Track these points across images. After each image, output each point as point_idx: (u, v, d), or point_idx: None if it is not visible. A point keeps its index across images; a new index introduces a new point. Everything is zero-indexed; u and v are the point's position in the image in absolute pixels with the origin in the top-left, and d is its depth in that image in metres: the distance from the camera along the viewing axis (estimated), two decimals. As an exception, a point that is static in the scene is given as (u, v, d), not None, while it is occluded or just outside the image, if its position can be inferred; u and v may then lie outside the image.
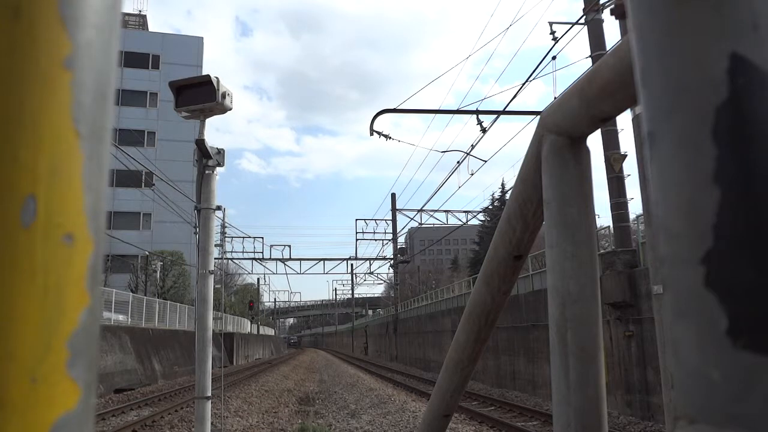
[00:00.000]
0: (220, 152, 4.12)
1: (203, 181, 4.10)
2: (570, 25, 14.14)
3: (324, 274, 47.24)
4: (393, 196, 43.93)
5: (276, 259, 44.14)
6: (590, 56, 14.10)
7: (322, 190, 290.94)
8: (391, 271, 48.36)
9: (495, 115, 17.60)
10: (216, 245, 4.56)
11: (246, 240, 43.81)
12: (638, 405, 12.53)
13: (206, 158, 4.07)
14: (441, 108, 21.01)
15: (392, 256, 46.22)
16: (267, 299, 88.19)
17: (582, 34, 14.37)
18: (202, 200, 4.09)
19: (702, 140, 0.29)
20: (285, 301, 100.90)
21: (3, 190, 0.25)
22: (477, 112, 17.93)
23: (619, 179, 13.71)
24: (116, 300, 24.00)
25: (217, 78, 3.89)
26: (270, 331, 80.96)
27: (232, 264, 52.61)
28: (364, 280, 64.14)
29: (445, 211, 36.07)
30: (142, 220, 46.96)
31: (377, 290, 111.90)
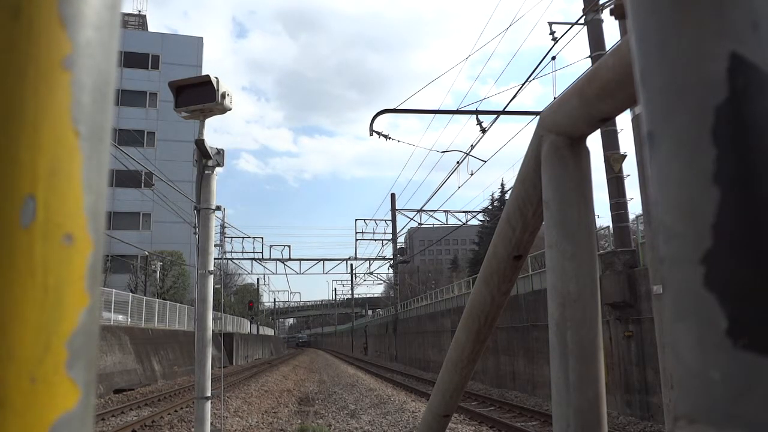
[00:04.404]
0: (220, 152, 4.12)
1: (203, 181, 4.10)
2: (570, 26, 14.14)
3: (324, 274, 47.25)
4: (393, 196, 43.94)
5: (276, 259, 44.14)
6: (590, 56, 14.10)
7: (321, 190, 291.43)
8: (391, 271, 48.36)
9: (494, 116, 17.60)
10: (215, 245, 4.55)
11: (245, 240, 43.84)
12: (638, 405, 12.53)
13: (206, 158, 4.07)
14: (440, 108, 21.01)
15: (392, 256, 46.22)
16: (266, 299, 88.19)
17: (581, 34, 14.38)
18: (202, 200, 4.09)
19: (702, 140, 0.29)
20: (284, 302, 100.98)
21: (2, 190, 0.25)
22: (477, 113, 17.94)
23: (619, 179, 13.71)
24: (116, 300, 23.98)
25: (216, 78, 3.89)
26: (270, 332, 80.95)
27: (232, 264, 52.65)
28: (364, 281, 64.23)
29: (444, 211, 36.05)
30: (142, 220, 46.94)
31: (377, 290, 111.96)
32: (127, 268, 38.08)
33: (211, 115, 4.03)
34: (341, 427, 11.82)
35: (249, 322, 57.78)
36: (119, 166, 28.55)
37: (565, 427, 0.71)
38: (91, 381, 0.27)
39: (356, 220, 46.46)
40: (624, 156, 13.72)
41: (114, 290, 24.78)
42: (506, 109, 16.70)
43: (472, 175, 20.45)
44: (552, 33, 14.91)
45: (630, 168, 13.90)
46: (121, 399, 17.39)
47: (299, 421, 12.51)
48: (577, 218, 0.74)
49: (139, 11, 56.56)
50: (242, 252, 43.86)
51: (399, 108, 19.92)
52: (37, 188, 0.26)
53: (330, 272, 54.16)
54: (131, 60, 47.97)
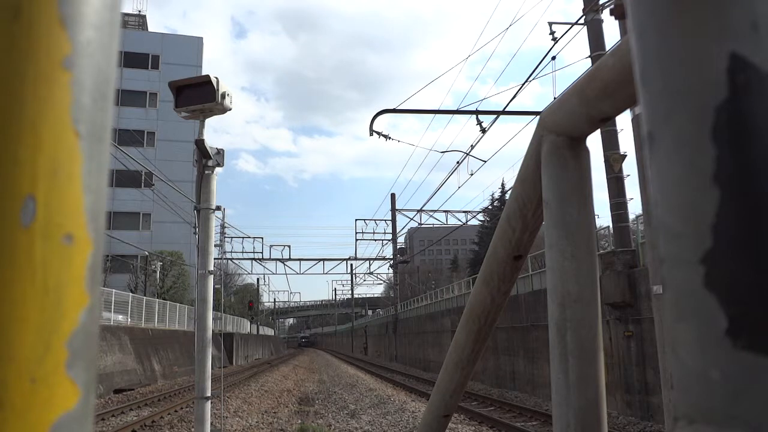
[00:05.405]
0: (220, 152, 4.12)
1: (203, 181, 4.10)
2: (570, 26, 14.14)
3: (324, 274, 47.26)
4: (392, 196, 43.92)
5: (275, 259, 44.14)
6: (590, 56, 14.10)
7: (321, 190, 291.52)
8: (391, 271, 48.36)
9: (494, 116, 17.61)
10: (215, 245, 4.55)
11: (245, 240, 43.85)
12: (638, 405, 12.53)
13: (206, 158, 4.08)
14: (440, 108, 21.03)
15: (392, 256, 46.22)
16: (266, 299, 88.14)
17: (581, 34, 14.38)
18: (202, 200, 4.09)
19: (702, 140, 0.29)
20: (284, 302, 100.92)
21: (3, 190, 0.25)
22: (477, 113, 17.94)
23: (619, 179, 13.71)
24: (116, 300, 23.98)
25: (216, 78, 3.89)
26: (270, 332, 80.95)
27: (232, 264, 52.71)
28: (364, 281, 64.28)
29: (444, 211, 36.07)
30: (142, 221, 46.94)
31: (377, 290, 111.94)
32: (127, 268, 38.08)
33: (211, 115, 4.03)
34: (341, 427, 11.82)
35: (249, 322, 57.77)
36: (119, 166, 28.55)
37: (565, 427, 0.71)
38: (91, 381, 0.27)
39: (356, 220, 46.50)
40: (624, 156, 13.71)
41: (114, 290, 24.77)
42: (506, 109, 16.72)
43: (472, 175, 20.48)
44: (552, 33, 14.91)
45: (630, 168, 13.90)
46: (121, 399, 17.39)
47: (299, 421, 12.51)
48: (577, 218, 0.74)
49: (139, 11, 56.56)
50: (242, 252, 43.90)
51: (399, 108, 19.92)
52: (37, 188, 0.26)
53: (330, 272, 54.20)
54: (131, 60, 47.96)
